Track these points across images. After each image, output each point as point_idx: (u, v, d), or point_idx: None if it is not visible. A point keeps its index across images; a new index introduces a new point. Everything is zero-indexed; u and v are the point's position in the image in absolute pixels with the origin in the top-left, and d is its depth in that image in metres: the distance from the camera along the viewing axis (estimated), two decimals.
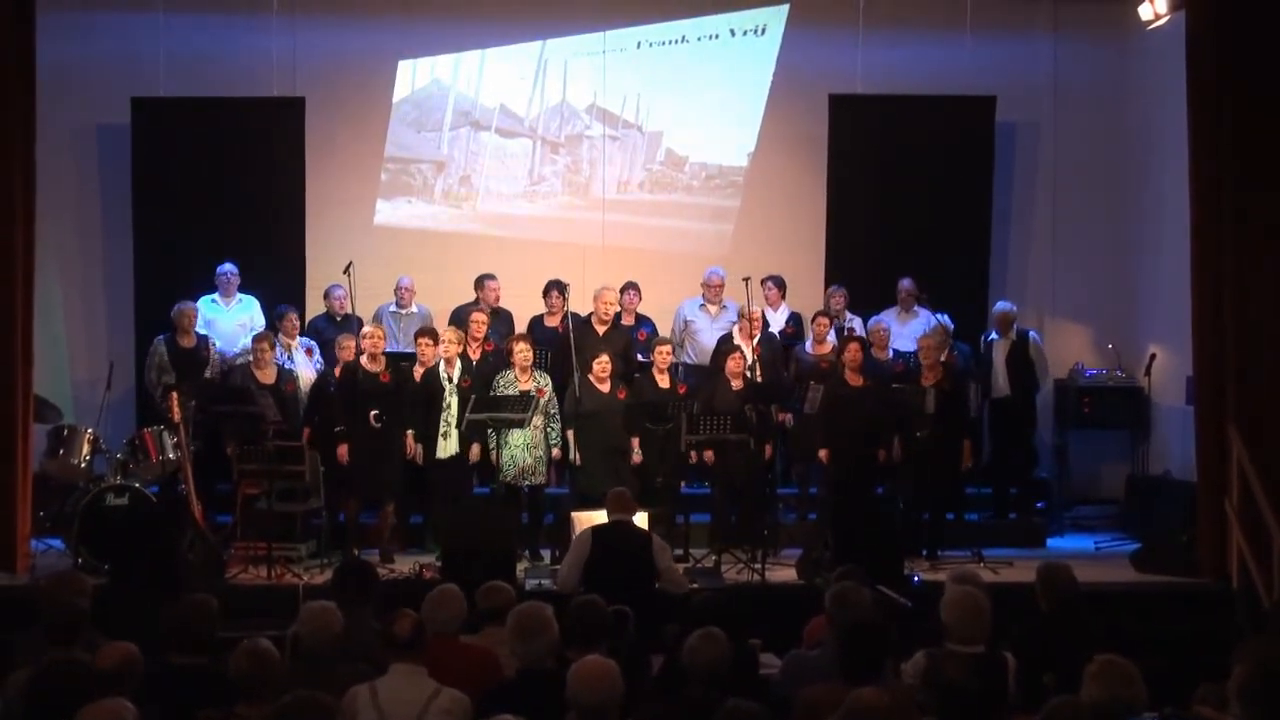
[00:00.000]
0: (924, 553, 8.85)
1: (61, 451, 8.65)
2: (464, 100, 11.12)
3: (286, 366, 9.21)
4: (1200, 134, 8.67)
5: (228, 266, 9.90)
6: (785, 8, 11.07)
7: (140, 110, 10.32)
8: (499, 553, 7.52)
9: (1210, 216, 8.54)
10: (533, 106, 11.15)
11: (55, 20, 9.44)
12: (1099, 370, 10.74)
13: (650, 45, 11.13)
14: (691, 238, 11.20)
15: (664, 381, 9.04)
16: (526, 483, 8.78)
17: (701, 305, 10.07)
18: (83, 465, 8.64)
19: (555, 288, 9.73)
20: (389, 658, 4.59)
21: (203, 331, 9.55)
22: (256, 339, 9.14)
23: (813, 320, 9.70)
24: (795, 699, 4.50)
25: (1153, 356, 10.35)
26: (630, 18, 11.05)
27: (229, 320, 9.86)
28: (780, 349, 9.67)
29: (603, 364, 8.89)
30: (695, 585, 7.45)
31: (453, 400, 8.76)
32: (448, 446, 8.78)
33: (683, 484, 9.27)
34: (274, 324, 9.61)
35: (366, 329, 8.95)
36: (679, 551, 8.32)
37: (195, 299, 9.68)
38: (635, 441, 8.84)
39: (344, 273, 9.05)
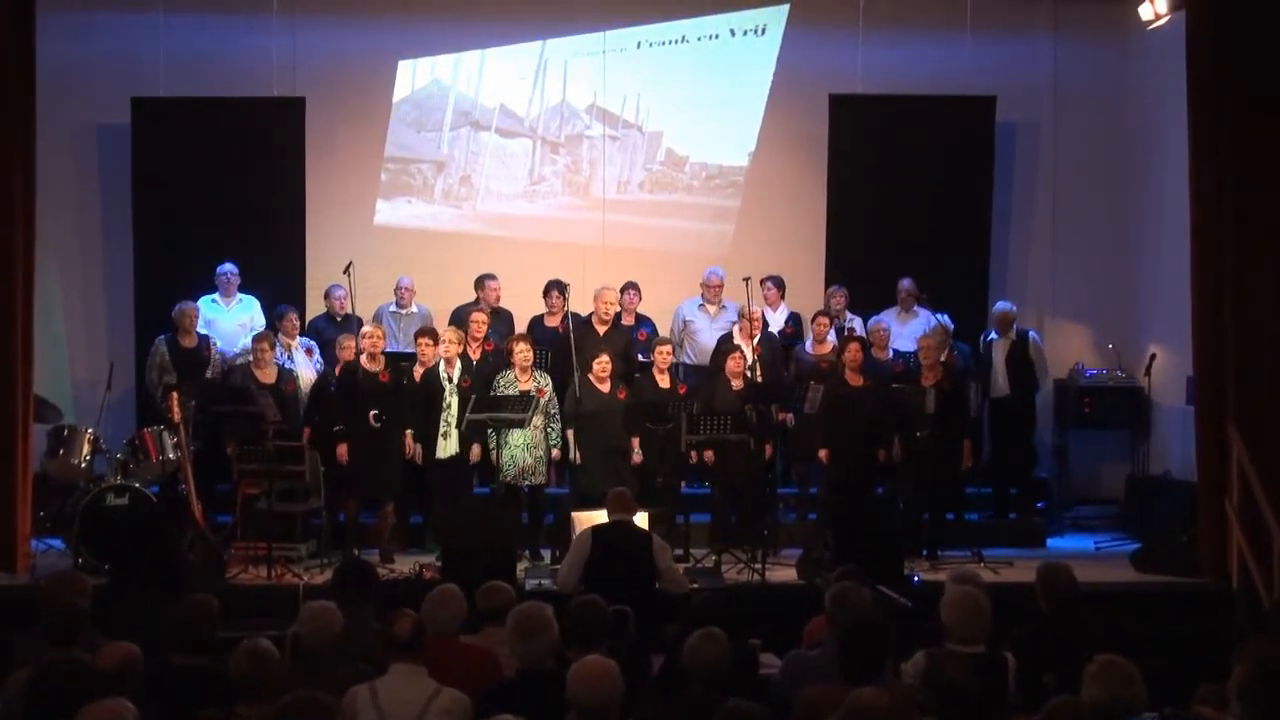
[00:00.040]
0: (924, 553, 8.85)
1: (62, 451, 8.64)
2: (464, 100, 11.12)
3: (286, 366, 9.21)
4: (1200, 134, 8.67)
5: (228, 266, 9.90)
6: (785, 8, 11.07)
7: (140, 110, 10.32)
8: (499, 553, 7.53)
9: (1210, 216, 8.54)
10: (533, 106, 11.15)
11: (55, 20, 9.44)
12: (1099, 370, 10.74)
13: (650, 45, 11.13)
14: (692, 238, 11.20)
15: (664, 381, 9.04)
16: (526, 483, 8.78)
17: (700, 305, 10.07)
18: (83, 465, 8.64)
19: (555, 288, 9.72)
20: (389, 658, 4.59)
21: (203, 331, 9.55)
22: (256, 339, 9.14)
23: (813, 320, 9.70)
24: (795, 699, 4.50)
25: (1153, 356, 10.35)
26: (630, 18, 11.05)
27: (229, 320, 9.86)
28: (780, 349, 9.67)
29: (603, 364, 8.89)
30: (695, 585, 7.45)
31: (453, 400, 8.76)
32: (448, 446, 8.79)
33: (683, 484, 9.27)
34: (274, 324, 9.61)
35: (366, 329, 8.95)
36: (679, 551, 8.32)
37: (195, 299, 9.68)
38: (635, 441, 8.84)
39: (344, 273, 9.04)
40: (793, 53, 11.06)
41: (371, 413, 8.66)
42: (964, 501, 9.63)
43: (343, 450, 8.64)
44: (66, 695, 3.88)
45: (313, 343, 9.73)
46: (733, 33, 11.17)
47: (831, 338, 9.58)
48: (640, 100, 11.14)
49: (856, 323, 10.05)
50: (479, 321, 9.24)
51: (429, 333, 9.10)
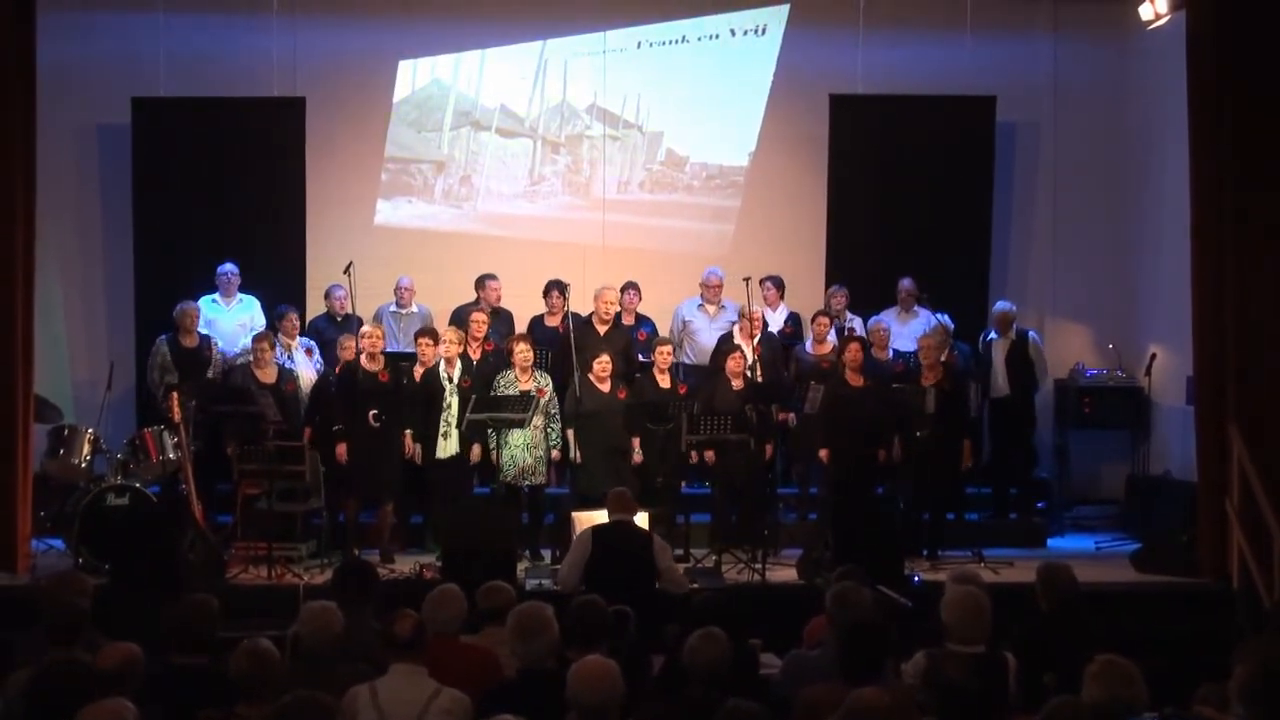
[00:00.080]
0: (924, 553, 8.85)
1: (62, 451, 8.64)
2: (464, 100, 11.12)
3: (287, 366, 9.21)
4: (1200, 134, 8.67)
5: (228, 266, 9.90)
6: (785, 8, 11.07)
7: (140, 110, 10.32)
8: (499, 553, 7.52)
9: (1210, 216, 8.54)
10: (533, 106, 11.14)
11: (55, 20, 9.44)
12: (1099, 370, 10.74)
13: (650, 45, 11.13)
14: (692, 238, 11.20)
15: (665, 381, 9.04)
16: (527, 483, 8.78)
17: (699, 305, 10.08)
18: (83, 465, 8.63)
19: (555, 288, 9.72)
20: (389, 658, 4.59)
21: (204, 331, 9.55)
22: (256, 339, 9.14)
23: (813, 320, 9.70)
24: (795, 699, 4.50)
25: (1153, 356, 10.34)
26: (630, 18, 11.04)
27: (229, 320, 9.86)
28: (780, 349, 9.67)
29: (603, 364, 8.89)
30: (695, 585, 7.45)
31: (453, 400, 8.76)
32: (448, 446, 8.79)
33: (683, 484, 9.27)
34: (274, 324, 9.61)
35: (365, 329, 8.95)
36: (679, 551, 8.32)
37: (196, 299, 9.68)
38: (636, 441, 8.84)
39: (344, 273, 9.04)
40: (793, 53, 11.06)
41: (371, 413, 8.66)
42: (964, 501, 9.62)
43: (341, 450, 8.64)
44: (67, 695, 3.88)
45: (313, 343, 9.73)
46: (733, 33, 11.17)
47: (832, 338, 9.58)
48: (640, 100, 11.14)
49: (856, 323, 10.06)
50: (479, 321, 9.24)
51: (429, 333, 9.10)
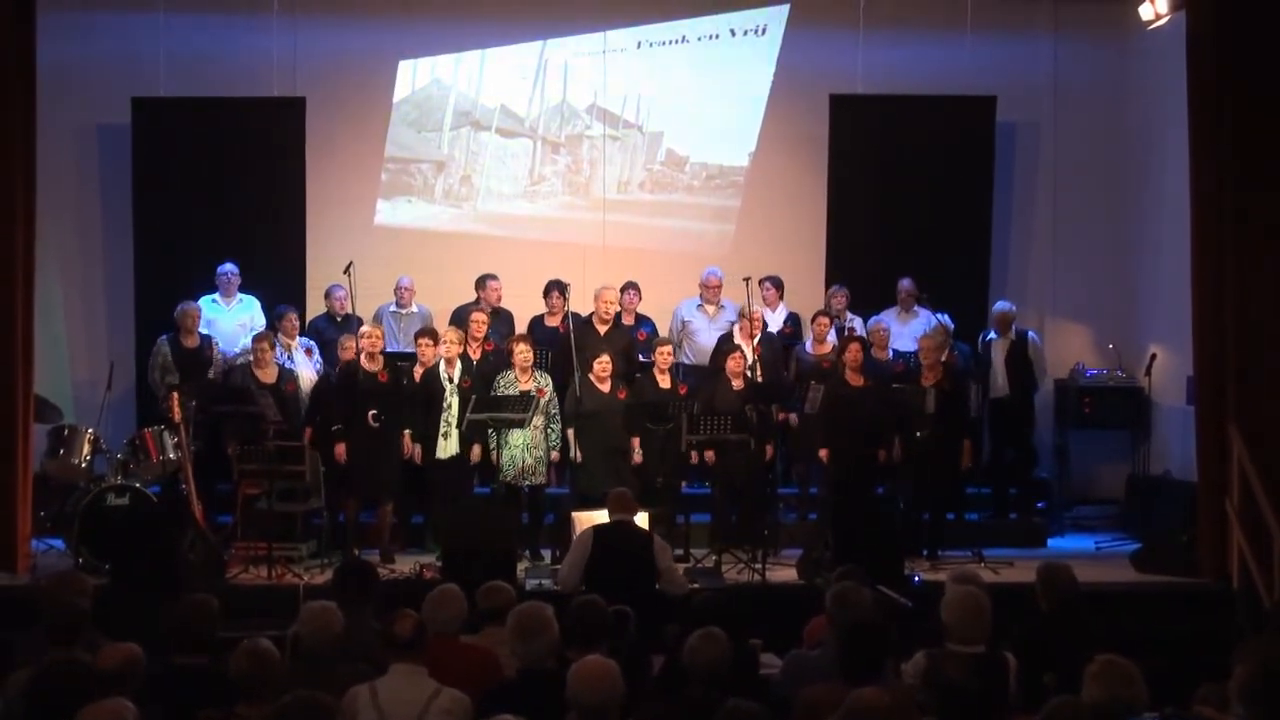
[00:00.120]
0: (924, 553, 8.85)
1: (62, 451, 8.64)
2: (464, 100, 11.12)
3: (287, 366, 9.21)
4: (1200, 134, 8.67)
5: (228, 266, 9.90)
6: (785, 8, 11.07)
7: (140, 110, 10.32)
8: (499, 553, 7.52)
9: (1210, 216, 8.54)
10: (533, 106, 11.14)
11: (55, 20, 9.44)
12: (1099, 370, 10.74)
13: (650, 45, 11.13)
14: (692, 238, 11.20)
15: (665, 381, 9.04)
16: (527, 483, 8.78)
17: (699, 305, 10.08)
18: (83, 465, 8.63)
19: (556, 288, 9.72)
20: (389, 658, 4.59)
21: (204, 331, 9.54)
22: (256, 339, 9.14)
23: (813, 320, 9.70)
24: (795, 699, 4.50)
25: (1153, 356, 10.34)
26: (630, 18, 11.05)
27: (229, 320, 9.86)
28: (780, 349, 9.67)
29: (603, 364, 8.89)
30: (696, 585, 7.45)
31: (453, 400, 8.76)
32: (448, 446, 8.79)
33: (683, 484, 9.26)
34: (274, 324, 9.61)
35: (365, 329, 8.95)
36: (679, 551, 8.32)
37: (196, 299, 9.68)
38: (636, 441, 8.84)
39: (344, 273, 9.04)
40: (793, 53, 11.06)
41: (371, 413, 8.66)
42: (964, 501, 9.62)
43: (340, 450, 8.64)
44: (67, 695, 3.88)
45: (313, 343, 9.73)
46: (733, 33, 11.17)
47: (832, 338, 9.58)
48: (640, 100, 11.14)
49: (857, 323, 10.06)
50: (479, 321, 9.24)
51: (429, 333, 9.10)
